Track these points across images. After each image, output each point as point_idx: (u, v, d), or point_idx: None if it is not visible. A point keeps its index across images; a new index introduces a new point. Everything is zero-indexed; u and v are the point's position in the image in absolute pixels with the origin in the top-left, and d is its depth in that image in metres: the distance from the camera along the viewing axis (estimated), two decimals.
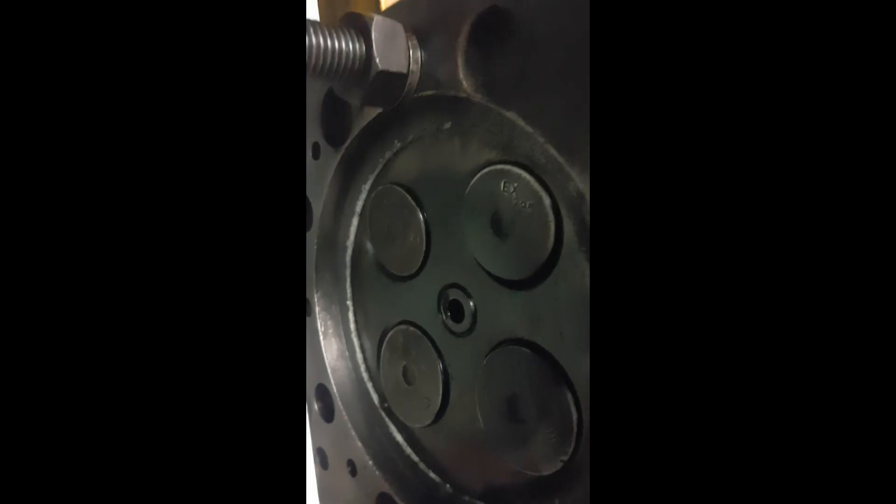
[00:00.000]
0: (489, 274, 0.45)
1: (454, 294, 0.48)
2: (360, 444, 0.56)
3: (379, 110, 0.47)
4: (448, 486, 0.52)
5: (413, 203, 0.50)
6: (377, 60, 0.39)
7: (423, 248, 0.50)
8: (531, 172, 0.40)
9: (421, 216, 0.50)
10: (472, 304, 0.47)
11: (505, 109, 0.38)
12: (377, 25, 0.39)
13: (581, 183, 0.35)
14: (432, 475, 0.53)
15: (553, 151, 0.36)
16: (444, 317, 0.50)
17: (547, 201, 0.39)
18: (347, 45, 0.38)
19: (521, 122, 0.37)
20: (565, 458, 0.40)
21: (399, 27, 0.41)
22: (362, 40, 0.39)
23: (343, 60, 0.38)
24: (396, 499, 0.52)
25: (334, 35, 0.38)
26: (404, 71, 0.40)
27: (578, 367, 0.40)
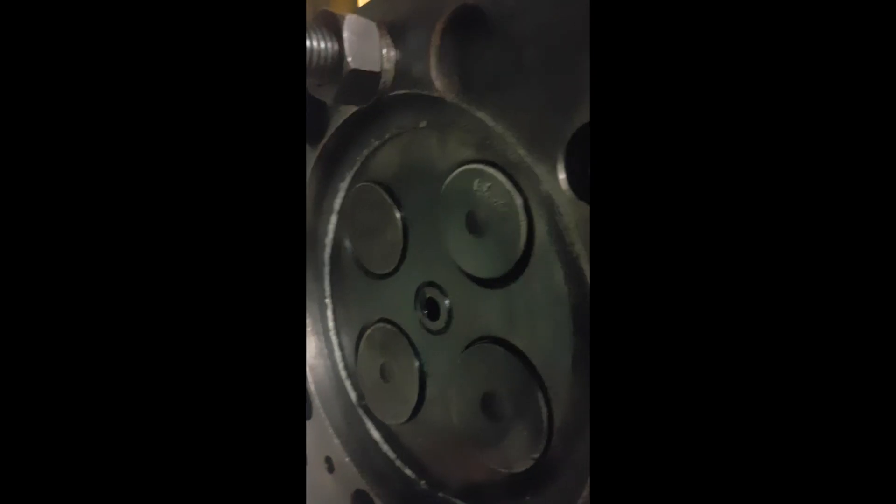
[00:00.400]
0: (464, 272, 0.45)
1: (431, 292, 0.49)
2: (337, 441, 0.56)
3: (355, 108, 0.47)
4: (424, 482, 0.52)
5: (391, 201, 0.50)
6: (349, 59, 0.39)
7: (401, 246, 0.50)
8: (504, 172, 0.40)
9: (398, 214, 0.50)
10: (447, 302, 0.47)
11: (476, 109, 0.38)
12: (349, 24, 0.39)
13: (548, 184, 0.35)
14: (408, 472, 0.53)
15: (522, 152, 0.36)
16: (420, 315, 0.50)
17: (519, 201, 0.39)
18: (319, 43, 0.38)
19: (491, 122, 0.38)
20: (537, 455, 0.41)
21: (372, 25, 0.41)
22: (335, 39, 0.39)
23: (315, 59, 0.38)
24: (373, 495, 0.53)
25: (306, 33, 0.37)
26: (377, 69, 0.40)
27: (550, 365, 0.40)
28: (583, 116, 0.32)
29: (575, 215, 0.34)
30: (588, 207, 0.33)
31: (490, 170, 0.41)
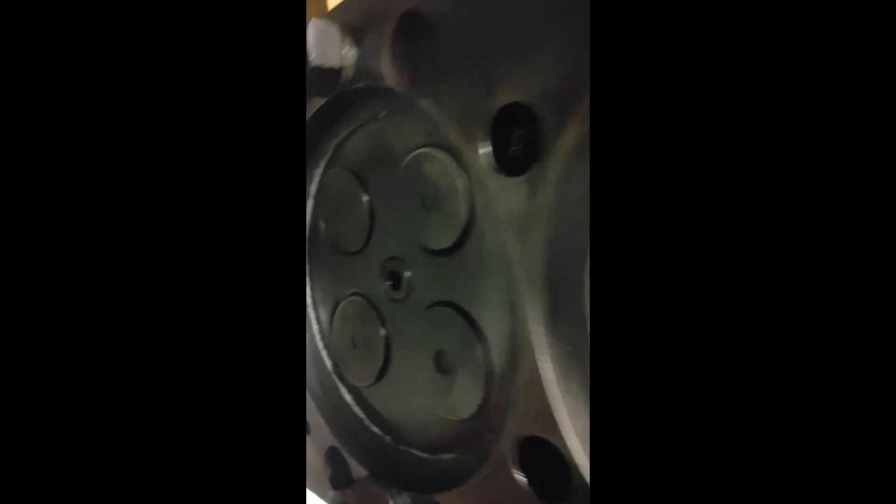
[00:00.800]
0: (421, 246, 0.51)
1: (394, 265, 0.54)
2: (313, 404, 0.61)
3: (322, 101, 0.53)
4: (388, 438, 0.58)
5: (359, 185, 0.56)
6: (312, 56, 0.45)
7: (368, 225, 0.56)
8: (449, 153, 0.46)
9: (365, 197, 0.56)
10: (408, 273, 0.53)
11: (420, 98, 0.44)
12: (313, 27, 0.45)
13: (476, 161, 0.41)
14: (375, 429, 0.59)
15: (456, 134, 0.42)
16: (385, 286, 0.56)
17: (460, 179, 0.45)
18: None
19: (433, 109, 0.43)
20: (479, 402, 0.46)
21: (334, 27, 0.47)
22: None
23: None
24: (343, 451, 0.58)
25: None
26: (337, 66, 0.46)
27: (488, 321, 0.45)
28: (501, 100, 0.38)
29: (497, 189, 0.40)
30: (506, 180, 0.39)
31: (437, 152, 0.46)
